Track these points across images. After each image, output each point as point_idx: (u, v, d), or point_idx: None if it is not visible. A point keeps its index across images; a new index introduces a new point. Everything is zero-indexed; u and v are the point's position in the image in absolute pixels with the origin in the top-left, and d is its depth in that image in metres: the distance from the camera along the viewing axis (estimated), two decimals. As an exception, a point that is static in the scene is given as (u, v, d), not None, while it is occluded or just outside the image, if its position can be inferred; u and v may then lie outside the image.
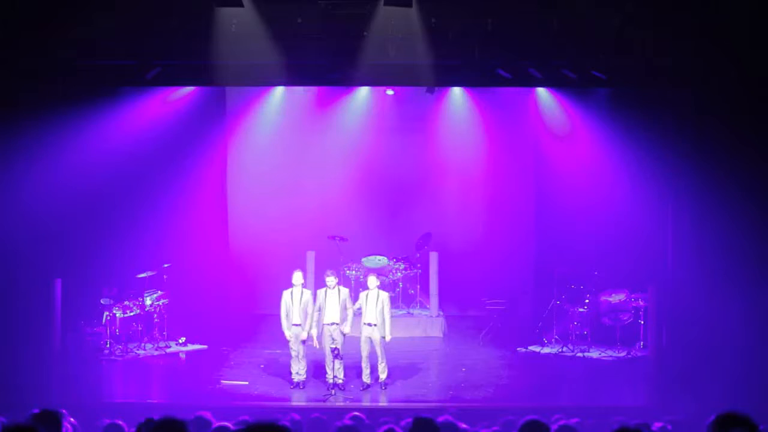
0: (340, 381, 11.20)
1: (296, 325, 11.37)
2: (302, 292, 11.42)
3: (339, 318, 11.29)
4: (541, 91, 13.95)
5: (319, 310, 11.37)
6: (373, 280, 11.59)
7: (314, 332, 11.40)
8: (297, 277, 11.48)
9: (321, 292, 11.44)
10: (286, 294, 11.45)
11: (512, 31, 10.74)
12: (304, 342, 11.41)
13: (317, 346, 11.47)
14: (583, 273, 13.28)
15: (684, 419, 8.39)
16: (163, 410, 6.72)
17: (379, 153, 15.40)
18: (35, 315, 11.69)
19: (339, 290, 11.43)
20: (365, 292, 11.51)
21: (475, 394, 11.26)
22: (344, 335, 11.34)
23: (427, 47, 10.77)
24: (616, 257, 13.25)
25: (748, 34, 10.21)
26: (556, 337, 13.28)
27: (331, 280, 11.38)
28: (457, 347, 13.62)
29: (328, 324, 11.32)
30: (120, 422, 6.05)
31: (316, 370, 11.68)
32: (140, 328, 13.16)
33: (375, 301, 11.31)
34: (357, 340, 11.51)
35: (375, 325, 11.27)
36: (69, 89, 11.55)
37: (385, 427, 5.30)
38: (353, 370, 11.52)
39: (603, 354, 12.88)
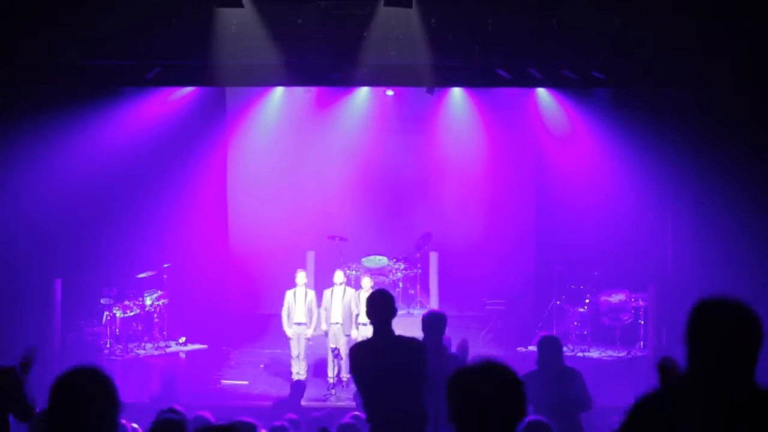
0: (345, 379, 11.21)
1: (299, 324, 11.40)
2: (306, 292, 11.47)
3: (342, 318, 11.31)
4: (541, 91, 13.95)
5: (326, 309, 11.41)
6: (367, 281, 11.61)
7: (324, 327, 11.45)
8: (300, 276, 11.53)
9: (327, 292, 11.52)
10: (289, 294, 11.50)
11: (512, 31, 10.75)
12: (308, 340, 11.43)
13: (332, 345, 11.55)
14: (583, 273, 13.28)
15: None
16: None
17: (379, 153, 15.39)
18: (35, 315, 11.70)
19: (345, 290, 11.49)
20: (358, 292, 11.54)
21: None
22: (349, 337, 11.36)
23: (427, 47, 10.78)
24: (616, 257, 13.25)
25: (748, 33, 10.21)
26: (556, 337, 13.27)
27: (338, 276, 11.45)
28: (457, 347, 13.59)
29: (332, 323, 11.37)
30: (123, 421, 6.05)
31: (317, 370, 11.68)
32: (140, 328, 13.16)
33: None
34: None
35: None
36: (69, 89, 11.56)
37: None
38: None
39: (603, 354, 12.88)
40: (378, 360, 5.33)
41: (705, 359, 2.97)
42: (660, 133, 12.01)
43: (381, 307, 5.51)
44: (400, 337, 5.50)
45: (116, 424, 3.10)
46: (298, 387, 9.77)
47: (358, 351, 5.61)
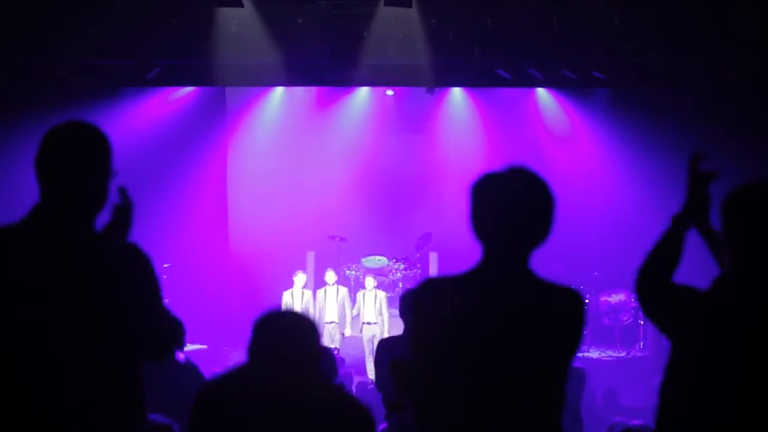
0: (340, 380, 11.27)
1: None
2: (303, 293, 11.51)
3: (337, 317, 11.39)
4: (541, 92, 13.96)
5: (320, 310, 11.49)
6: (370, 281, 11.71)
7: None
8: (299, 278, 11.57)
9: (321, 291, 11.57)
10: (286, 295, 11.54)
11: (512, 31, 10.75)
12: None
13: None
14: (583, 273, 13.28)
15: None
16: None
17: (379, 153, 15.39)
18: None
19: (338, 289, 11.54)
20: (362, 292, 11.61)
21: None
22: (343, 336, 11.43)
23: (427, 47, 10.78)
24: (616, 257, 13.24)
25: (748, 35, 10.21)
26: (556, 337, 13.26)
27: (330, 276, 11.49)
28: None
29: (327, 323, 11.42)
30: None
31: (316, 370, 11.69)
32: (140, 328, 13.14)
33: (373, 301, 11.40)
34: (358, 340, 11.56)
35: (375, 323, 11.36)
36: (69, 89, 11.56)
37: (382, 426, 5.32)
38: (354, 369, 11.52)
39: (602, 354, 12.88)
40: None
41: (744, 249, 2.72)
42: (660, 134, 12.01)
43: None
44: None
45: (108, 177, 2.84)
46: None
47: (387, 347, 5.53)
